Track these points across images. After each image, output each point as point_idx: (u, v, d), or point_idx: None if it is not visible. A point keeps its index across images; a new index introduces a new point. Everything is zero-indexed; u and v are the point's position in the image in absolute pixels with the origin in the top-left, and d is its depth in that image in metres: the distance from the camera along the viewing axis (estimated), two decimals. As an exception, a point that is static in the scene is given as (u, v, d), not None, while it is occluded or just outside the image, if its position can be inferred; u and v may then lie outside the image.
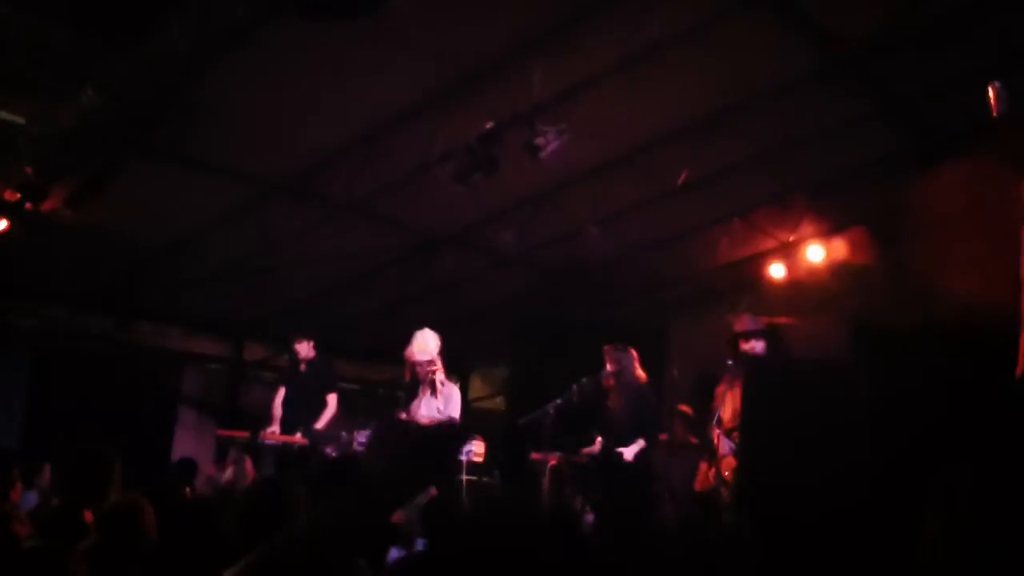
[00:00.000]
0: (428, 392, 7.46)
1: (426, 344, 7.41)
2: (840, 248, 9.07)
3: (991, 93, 4.84)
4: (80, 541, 3.39)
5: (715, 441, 7.31)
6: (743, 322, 7.84)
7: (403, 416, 7.43)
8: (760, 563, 2.74)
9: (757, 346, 7.58)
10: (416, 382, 7.46)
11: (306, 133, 7.02)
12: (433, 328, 7.86)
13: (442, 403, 7.39)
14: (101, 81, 5.89)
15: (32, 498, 4.19)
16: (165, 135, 6.71)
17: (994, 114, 5.13)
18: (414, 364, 7.36)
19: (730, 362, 7.52)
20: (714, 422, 7.41)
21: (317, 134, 7.06)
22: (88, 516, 3.63)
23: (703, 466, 7.50)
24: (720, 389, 7.56)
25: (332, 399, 8.31)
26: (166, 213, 7.97)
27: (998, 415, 4.82)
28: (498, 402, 12.13)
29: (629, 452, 7.35)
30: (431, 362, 7.38)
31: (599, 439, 7.60)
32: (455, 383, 7.73)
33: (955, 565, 1.95)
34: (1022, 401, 4.83)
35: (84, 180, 6.85)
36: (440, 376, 7.42)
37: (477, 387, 12.35)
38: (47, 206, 7.02)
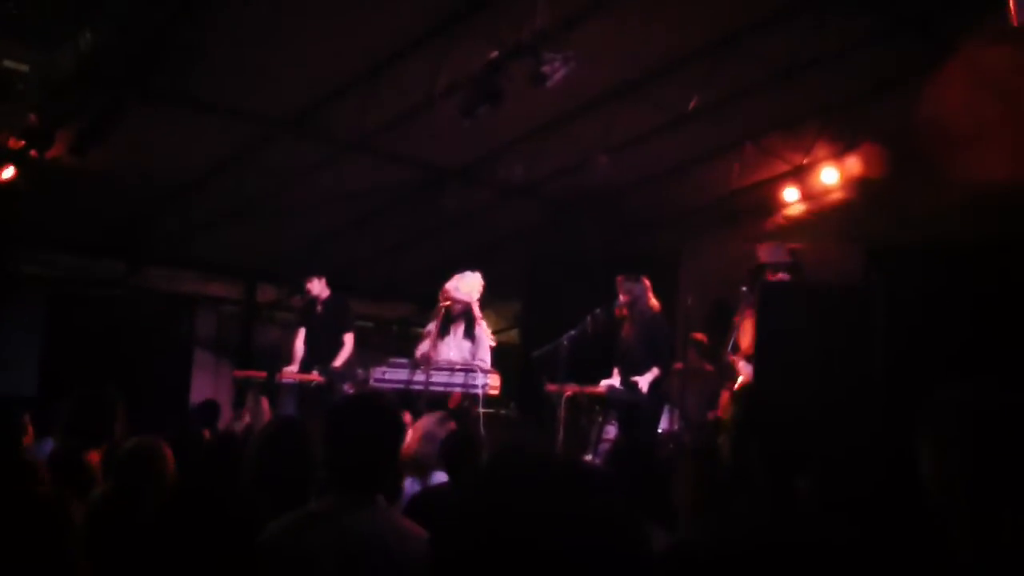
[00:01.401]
0: (460, 333, 7.47)
1: (472, 287, 7.43)
2: (854, 166, 8.96)
3: (1011, 3, 4.72)
4: (83, 484, 3.43)
5: (735, 367, 7.36)
6: (768, 251, 7.78)
7: (421, 353, 7.45)
8: (766, 489, 2.72)
9: (783, 278, 7.57)
10: (448, 320, 7.47)
11: (308, 69, 6.92)
12: (447, 264, 7.86)
13: (474, 347, 7.41)
14: (98, 23, 5.80)
15: (48, 445, 4.23)
16: (165, 76, 6.61)
17: (1015, 23, 5.00)
18: (451, 301, 7.36)
19: (744, 288, 7.51)
20: (730, 349, 7.44)
21: (319, 69, 6.95)
22: (93, 458, 3.67)
23: (725, 394, 7.53)
24: (738, 317, 7.56)
25: (349, 338, 8.39)
26: (171, 155, 7.90)
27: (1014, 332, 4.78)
28: (512, 335, 12.16)
29: (643, 381, 7.37)
30: (469, 304, 7.39)
31: (616, 370, 7.63)
32: (488, 328, 7.77)
33: (960, 491, 1.90)
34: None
35: (87, 124, 6.79)
36: (478, 319, 7.45)
37: (491, 321, 12.33)
38: (52, 153, 6.97)
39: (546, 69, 6.02)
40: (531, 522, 1.23)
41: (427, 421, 5.08)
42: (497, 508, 1.25)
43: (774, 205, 10.00)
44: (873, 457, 4.79)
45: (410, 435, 4.84)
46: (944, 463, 1.89)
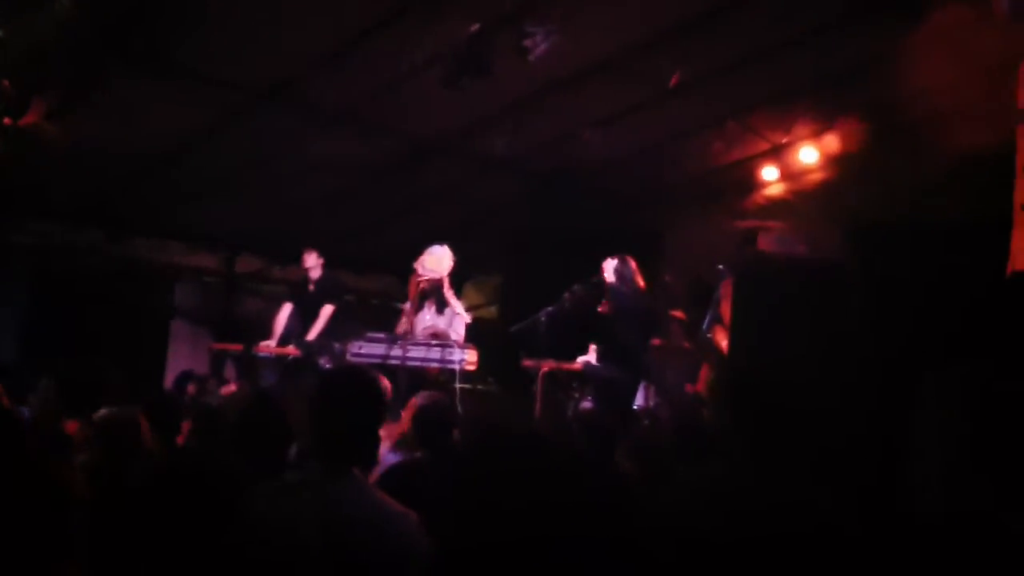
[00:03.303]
0: (432, 308, 7.48)
1: (439, 262, 7.43)
2: (833, 143, 8.98)
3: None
4: (60, 453, 3.44)
5: (717, 342, 7.41)
6: (770, 240, 7.81)
7: (402, 329, 7.47)
8: (741, 456, 2.78)
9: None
10: (421, 297, 7.49)
11: (290, 37, 6.84)
12: (429, 237, 7.85)
13: (446, 321, 7.42)
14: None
15: (24, 413, 4.22)
16: (145, 43, 6.54)
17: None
18: (421, 278, 7.37)
19: (720, 267, 7.55)
20: (706, 325, 7.49)
21: (300, 38, 6.87)
22: (72, 428, 3.67)
23: (705, 367, 7.60)
24: (722, 291, 7.61)
25: (326, 310, 8.36)
26: (152, 124, 7.81)
27: (991, 312, 4.85)
28: (492, 311, 12.17)
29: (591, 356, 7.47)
30: (440, 280, 7.40)
31: (592, 346, 7.66)
32: (460, 301, 7.78)
33: (951, 461, 1.95)
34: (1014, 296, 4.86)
35: (64, 91, 6.71)
36: (448, 294, 7.46)
37: (471, 296, 12.37)
38: (27, 120, 6.89)
39: (528, 43, 6.00)
40: (521, 497, 1.24)
41: (420, 399, 5.06)
42: (488, 489, 1.26)
43: (756, 183, 10.02)
44: (846, 424, 4.85)
45: (404, 414, 4.85)
46: (938, 432, 1.94)
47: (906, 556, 1.90)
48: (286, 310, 8.53)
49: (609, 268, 7.59)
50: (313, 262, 8.53)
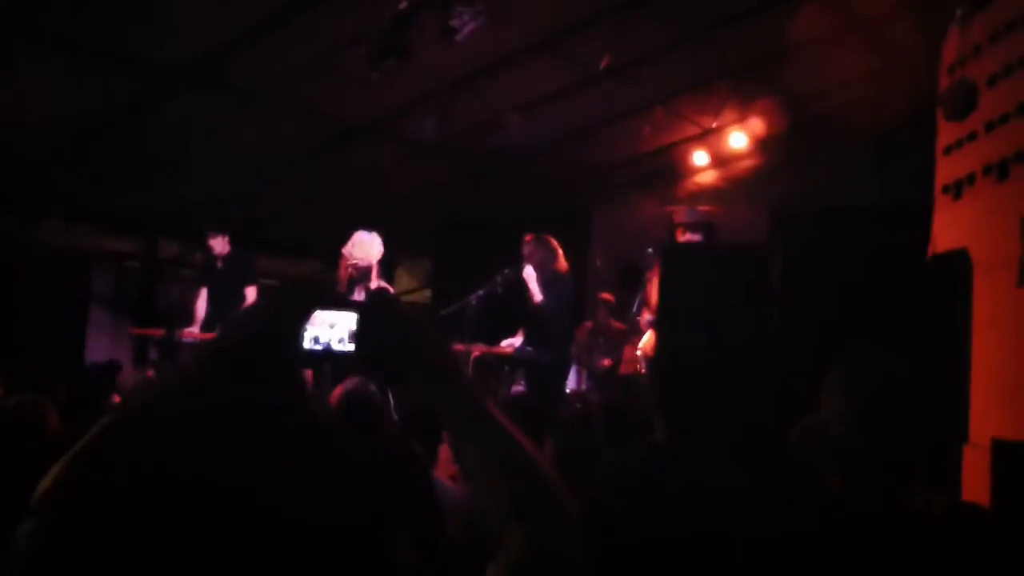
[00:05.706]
0: (362, 295, 7.38)
1: (369, 248, 7.30)
2: (758, 126, 9.08)
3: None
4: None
5: (643, 325, 7.46)
6: (684, 212, 7.91)
7: None
8: (663, 438, 2.79)
9: (694, 238, 7.68)
10: (350, 283, 7.37)
11: (210, 15, 6.63)
12: (356, 221, 7.74)
13: None
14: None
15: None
16: (54, 21, 6.28)
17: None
18: (351, 264, 7.25)
19: (650, 250, 7.59)
20: (635, 308, 7.54)
21: (222, 16, 6.67)
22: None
23: (628, 349, 7.64)
24: (650, 273, 7.66)
25: (251, 292, 8.17)
26: (65, 105, 7.52)
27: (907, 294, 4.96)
28: (425, 295, 12.09)
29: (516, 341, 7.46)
30: (369, 266, 7.30)
31: (521, 330, 7.64)
32: (391, 286, 7.69)
33: (849, 443, 1.99)
34: (932, 281, 4.97)
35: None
36: (376, 282, 7.36)
37: (403, 280, 12.29)
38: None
39: (455, 23, 5.91)
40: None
41: (347, 386, 4.94)
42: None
43: (685, 168, 10.09)
44: (765, 405, 4.93)
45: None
46: (844, 412, 1.96)
47: (819, 539, 1.92)
48: (203, 295, 8.32)
49: (527, 247, 7.53)
50: (221, 246, 8.31)
